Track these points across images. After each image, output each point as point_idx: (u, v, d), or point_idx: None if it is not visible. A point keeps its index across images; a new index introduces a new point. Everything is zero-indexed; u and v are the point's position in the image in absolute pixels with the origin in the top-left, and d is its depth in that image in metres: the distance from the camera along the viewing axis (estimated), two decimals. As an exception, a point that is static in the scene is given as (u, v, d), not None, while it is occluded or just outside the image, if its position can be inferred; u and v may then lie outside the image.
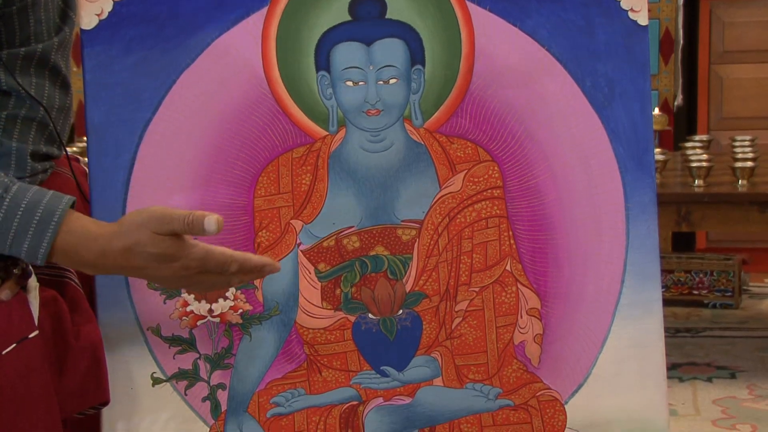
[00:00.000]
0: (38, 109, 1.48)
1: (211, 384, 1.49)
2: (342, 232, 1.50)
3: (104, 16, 1.45)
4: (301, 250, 1.50)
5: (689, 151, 3.29)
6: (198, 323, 1.48)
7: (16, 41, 1.47)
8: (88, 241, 1.32)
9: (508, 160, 1.52)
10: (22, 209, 1.32)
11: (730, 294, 3.97)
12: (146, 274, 1.34)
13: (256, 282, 1.49)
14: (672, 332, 3.56)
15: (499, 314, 1.52)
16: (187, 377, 1.48)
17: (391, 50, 1.48)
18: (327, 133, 1.50)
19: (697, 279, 4.00)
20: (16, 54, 1.47)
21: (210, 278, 1.35)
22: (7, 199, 1.32)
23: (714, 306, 3.96)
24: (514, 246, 1.52)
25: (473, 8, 1.50)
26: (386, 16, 1.48)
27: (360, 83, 1.48)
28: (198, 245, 1.31)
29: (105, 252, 1.33)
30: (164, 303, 1.47)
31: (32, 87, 1.48)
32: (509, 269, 1.52)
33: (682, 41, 4.68)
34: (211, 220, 1.30)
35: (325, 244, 1.50)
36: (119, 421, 1.47)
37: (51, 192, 1.34)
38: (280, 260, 1.49)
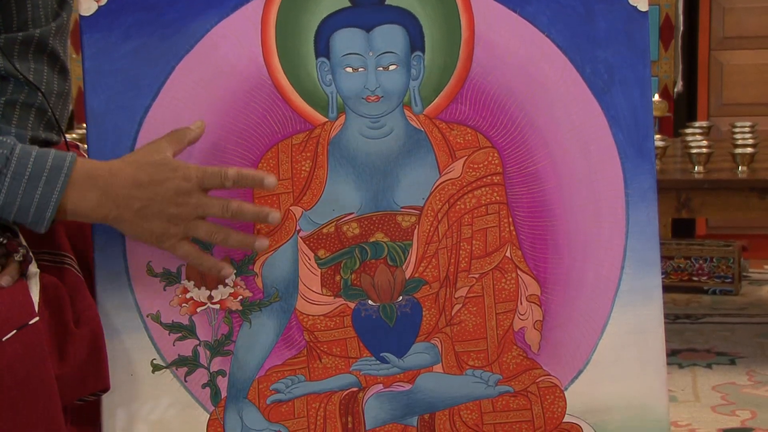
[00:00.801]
0: (37, 95, 1.48)
1: (210, 370, 1.49)
2: (342, 218, 1.50)
3: (103, 2, 1.45)
4: (300, 237, 1.50)
5: (689, 138, 3.29)
6: (198, 310, 1.48)
7: (13, 26, 1.47)
8: (98, 166, 1.37)
9: (507, 147, 1.52)
10: (33, 159, 1.34)
11: (729, 280, 3.97)
12: (153, 193, 1.36)
13: (256, 268, 1.49)
14: (672, 318, 3.57)
15: (498, 301, 1.52)
16: (186, 364, 1.48)
17: (390, 36, 1.48)
18: (326, 120, 1.50)
19: (696, 265, 4.00)
20: (14, 39, 1.47)
21: (210, 202, 1.37)
22: (15, 157, 1.34)
23: (714, 292, 3.96)
24: (513, 232, 1.52)
25: (473, -6, 1.50)
26: (386, 3, 1.48)
27: (360, 69, 1.48)
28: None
29: (113, 170, 1.36)
30: (164, 290, 1.47)
31: (30, 72, 1.48)
32: (509, 256, 1.52)
33: (682, 27, 4.67)
34: (196, 123, 1.42)
35: (324, 230, 1.50)
36: (119, 407, 1.47)
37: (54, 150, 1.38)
38: (279, 247, 1.49)
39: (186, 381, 1.48)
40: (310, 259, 1.50)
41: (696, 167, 3.04)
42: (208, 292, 1.48)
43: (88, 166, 1.37)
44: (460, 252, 1.52)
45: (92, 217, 1.37)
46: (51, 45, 1.51)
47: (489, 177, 1.52)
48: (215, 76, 1.47)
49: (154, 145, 1.40)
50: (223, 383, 1.49)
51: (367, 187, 1.50)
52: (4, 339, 1.29)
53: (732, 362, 3.06)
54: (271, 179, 1.40)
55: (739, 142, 3.13)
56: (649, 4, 1.55)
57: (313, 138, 1.49)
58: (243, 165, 1.47)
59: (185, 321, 1.48)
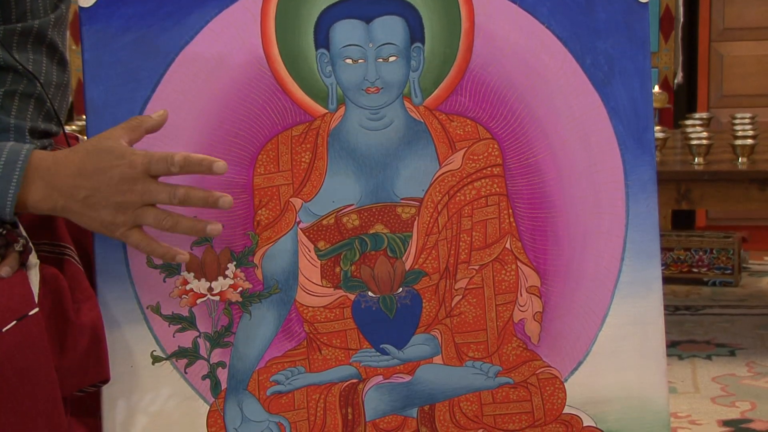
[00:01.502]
0: (36, 86, 1.48)
1: (210, 362, 1.49)
2: (341, 210, 1.50)
3: (103, -7, 1.45)
4: (300, 228, 1.50)
5: (689, 129, 3.28)
6: (198, 301, 1.48)
7: (12, 17, 1.47)
8: (44, 156, 1.35)
9: (507, 138, 1.52)
10: None
11: (729, 272, 3.97)
12: (98, 182, 1.33)
13: (256, 260, 1.49)
14: (671, 310, 3.57)
15: (498, 292, 1.52)
16: (186, 355, 1.49)
17: (390, 28, 1.48)
18: (326, 111, 1.49)
19: (696, 257, 4.00)
20: (13, 30, 1.47)
21: (156, 188, 1.35)
22: None
23: (714, 284, 3.96)
24: (513, 224, 1.52)
25: (473, -15, 1.49)
26: (386, -6, 1.48)
27: (359, 61, 1.48)
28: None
29: (58, 159, 1.34)
30: (164, 281, 1.47)
31: (29, 63, 1.48)
32: (509, 247, 1.52)
33: (682, 19, 4.66)
34: (158, 112, 1.40)
35: (324, 222, 1.50)
36: (119, 398, 1.47)
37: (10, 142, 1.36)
38: (279, 238, 1.49)
39: (186, 372, 1.49)
40: (310, 251, 1.50)
41: (696, 159, 3.04)
42: (208, 284, 1.48)
43: (37, 157, 1.35)
44: (460, 243, 1.52)
45: (41, 208, 1.36)
46: (50, 36, 1.51)
47: (489, 168, 1.52)
48: (215, 68, 1.47)
49: (106, 133, 1.37)
50: (223, 375, 1.49)
51: (366, 178, 1.50)
52: (3, 330, 1.29)
53: (732, 353, 3.06)
54: (220, 164, 1.36)
55: (739, 133, 3.13)
56: (649, -4, 1.54)
57: (313, 129, 1.49)
58: (242, 156, 1.47)
59: (185, 312, 1.48)
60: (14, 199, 1.33)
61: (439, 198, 1.51)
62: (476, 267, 1.52)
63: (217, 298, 1.49)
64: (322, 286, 1.51)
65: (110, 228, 1.36)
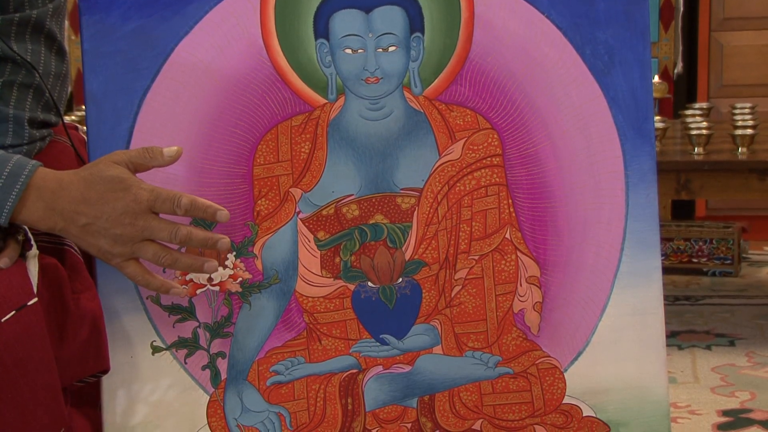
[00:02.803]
0: (34, 76, 1.48)
1: (210, 352, 1.49)
2: (341, 200, 1.50)
3: (102, -17, 1.44)
4: (300, 219, 1.50)
5: (689, 119, 3.28)
6: (197, 292, 1.48)
7: (9, 7, 1.47)
8: (50, 177, 1.34)
9: (507, 128, 1.51)
10: None
11: (729, 262, 3.97)
12: (100, 211, 1.33)
13: (256, 250, 1.49)
14: (671, 300, 3.57)
15: (498, 282, 1.52)
16: (186, 346, 1.49)
17: (390, 18, 1.48)
18: (326, 102, 1.49)
19: (696, 247, 4.00)
20: (11, 20, 1.46)
21: (158, 227, 1.35)
22: None
23: (713, 274, 3.96)
24: (513, 214, 1.52)
25: (473, -25, 1.49)
26: (385, -16, 1.48)
27: (359, 51, 1.48)
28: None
29: (63, 183, 1.34)
30: (163, 271, 1.47)
31: (28, 53, 1.48)
32: (508, 237, 1.52)
33: (682, 8, 4.66)
34: (171, 149, 1.37)
35: (324, 212, 1.50)
36: (119, 389, 1.47)
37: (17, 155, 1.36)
38: (279, 228, 1.49)
39: (186, 363, 1.49)
40: (309, 241, 1.50)
41: (696, 149, 3.03)
42: (207, 274, 1.48)
43: (40, 176, 1.34)
44: (460, 233, 1.52)
45: (39, 226, 1.36)
46: (48, 26, 1.50)
47: (488, 158, 1.52)
48: (214, 58, 1.46)
49: (115, 156, 1.36)
50: (222, 365, 1.49)
51: (366, 168, 1.50)
52: (3, 320, 1.29)
53: (731, 344, 3.06)
54: (223, 213, 1.37)
55: (739, 123, 3.12)
56: (650, -15, 1.54)
57: (313, 120, 1.49)
58: (242, 147, 1.47)
59: (185, 303, 1.48)
60: (10, 212, 1.33)
61: (439, 188, 1.51)
62: (476, 257, 1.52)
63: (217, 288, 1.49)
64: (322, 277, 1.51)
65: (107, 256, 1.37)
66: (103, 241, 1.35)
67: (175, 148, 1.38)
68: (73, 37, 4.38)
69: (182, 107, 1.46)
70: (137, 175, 1.37)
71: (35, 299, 1.32)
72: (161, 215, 1.36)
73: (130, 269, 1.38)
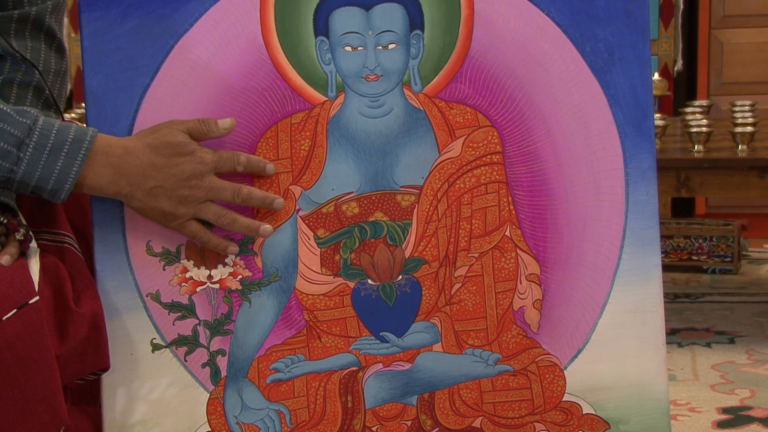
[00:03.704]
0: (34, 74, 1.48)
1: (210, 350, 1.49)
2: (341, 198, 1.50)
3: (101, -19, 1.44)
4: (300, 216, 1.50)
5: (689, 117, 3.28)
6: (197, 289, 1.48)
7: (8, 4, 1.47)
8: (114, 143, 1.39)
9: (507, 126, 1.51)
10: (55, 131, 1.36)
11: (729, 259, 3.97)
12: (168, 174, 1.39)
13: (256, 248, 1.49)
14: (671, 298, 3.57)
15: (498, 280, 1.52)
16: (186, 343, 1.49)
17: (390, 15, 1.48)
18: (326, 99, 1.49)
19: (696, 244, 4.00)
20: (10, 17, 1.46)
21: (222, 186, 1.42)
22: (38, 128, 1.35)
23: (713, 271, 3.96)
24: (513, 211, 1.52)
25: (472, -27, 1.49)
26: (385, -19, 1.48)
27: (359, 48, 1.48)
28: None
29: (129, 149, 1.39)
30: (163, 269, 1.47)
31: (27, 51, 1.48)
32: (508, 235, 1.52)
33: (682, 6, 4.65)
34: (226, 121, 1.43)
35: (324, 210, 1.50)
36: (119, 387, 1.47)
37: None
38: (279, 226, 1.49)
39: (186, 360, 1.49)
40: (309, 239, 1.50)
41: (696, 146, 3.03)
42: (207, 272, 1.48)
43: (105, 142, 1.38)
44: (460, 231, 1.52)
45: (105, 192, 1.39)
46: (47, 23, 1.50)
47: (488, 156, 1.52)
48: (214, 56, 1.46)
49: (175, 125, 1.41)
50: (222, 362, 1.49)
51: (366, 166, 1.50)
52: (4, 318, 1.29)
53: (731, 341, 3.06)
54: (271, 166, 1.46)
55: (739, 121, 3.12)
56: (649, -17, 1.54)
57: (313, 117, 1.49)
58: (242, 144, 1.48)
59: (185, 300, 1.48)
60: (75, 177, 1.36)
61: (439, 186, 1.51)
62: (476, 255, 1.52)
63: (217, 286, 1.49)
64: (322, 274, 1.51)
65: (169, 218, 1.42)
66: (168, 203, 1.40)
67: (229, 119, 1.44)
68: (72, 35, 4.38)
69: (182, 105, 1.46)
70: None
71: (36, 297, 1.33)
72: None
73: (193, 227, 1.43)
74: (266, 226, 1.46)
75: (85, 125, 1.41)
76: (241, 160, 1.44)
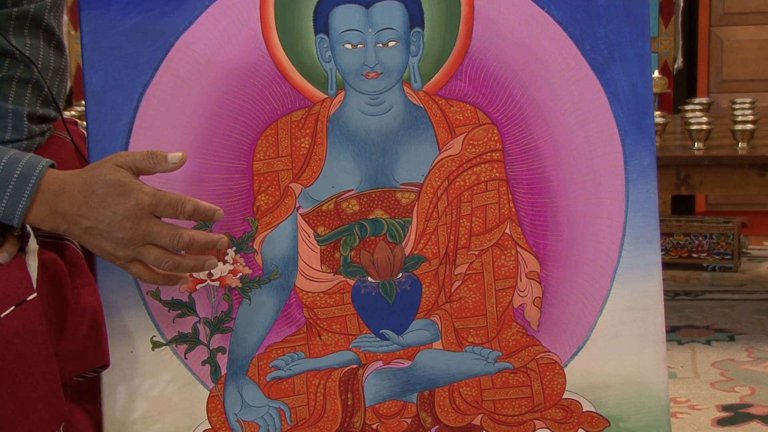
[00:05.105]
0: (33, 71, 1.48)
1: (210, 347, 1.49)
2: (341, 195, 1.50)
3: (101, -22, 1.44)
4: (300, 214, 1.50)
5: (689, 114, 3.28)
6: (197, 287, 1.48)
7: (7, 1, 1.46)
8: (52, 180, 1.34)
9: (507, 123, 1.51)
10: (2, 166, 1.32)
11: (729, 257, 3.97)
12: (101, 215, 1.33)
13: (256, 246, 1.49)
14: (671, 295, 3.57)
15: (498, 277, 1.52)
16: (186, 341, 1.49)
17: (390, 13, 1.48)
18: (326, 97, 1.49)
19: (696, 242, 4.00)
20: (8, 14, 1.46)
21: (160, 232, 1.34)
22: None
23: (713, 269, 3.96)
24: (513, 209, 1.52)
25: (472, -30, 1.49)
26: (385, -21, 1.48)
27: (359, 46, 1.48)
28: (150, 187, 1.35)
29: (65, 186, 1.33)
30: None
31: (27, 48, 1.48)
32: (508, 232, 1.52)
33: (682, 3, 4.65)
34: (176, 156, 1.36)
35: (324, 207, 1.50)
36: (119, 384, 1.47)
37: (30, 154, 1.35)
38: (279, 224, 1.49)
39: (186, 358, 1.49)
40: (309, 236, 1.50)
41: (696, 144, 3.03)
42: (208, 270, 1.47)
43: (46, 179, 1.34)
44: (460, 229, 1.52)
45: (43, 227, 1.36)
46: (46, 20, 1.50)
47: (488, 154, 1.52)
48: (214, 53, 1.46)
49: (117, 160, 1.36)
50: (222, 360, 1.49)
51: (366, 163, 1.50)
52: (2, 315, 1.29)
53: (731, 339, 3.06)
54: (220, 213, 1.37)
55: (739, 118, 3.12)
56: (650, -20, 1.54)
57: (313, 115, 1.49)
58: (242, 142, 1.47)
59: (185, 298, 1.48)
60: (22, 215, 1.33)
61: (439, 183, 1.51)
62: (476, 252, 1.52)
63: (217, 283, 1.49)
64: (322, 272, 1.51)
65: (110, 258, 1.37)
66: (105, 243, 1.35)
67: (180, 153, 1.37)
68: (72, 33, 4.38)
69: (182, 102, 1.46)
70: None
71: (35, 294, 1.32)
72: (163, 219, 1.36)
73: (135, 269, 1.38)
74: (212, 260, 1.39)
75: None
76: (186, 208, 1.35)
